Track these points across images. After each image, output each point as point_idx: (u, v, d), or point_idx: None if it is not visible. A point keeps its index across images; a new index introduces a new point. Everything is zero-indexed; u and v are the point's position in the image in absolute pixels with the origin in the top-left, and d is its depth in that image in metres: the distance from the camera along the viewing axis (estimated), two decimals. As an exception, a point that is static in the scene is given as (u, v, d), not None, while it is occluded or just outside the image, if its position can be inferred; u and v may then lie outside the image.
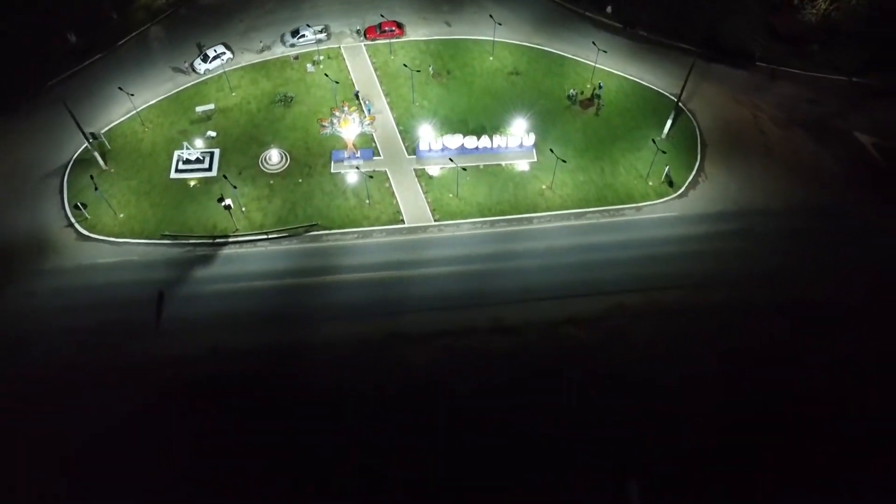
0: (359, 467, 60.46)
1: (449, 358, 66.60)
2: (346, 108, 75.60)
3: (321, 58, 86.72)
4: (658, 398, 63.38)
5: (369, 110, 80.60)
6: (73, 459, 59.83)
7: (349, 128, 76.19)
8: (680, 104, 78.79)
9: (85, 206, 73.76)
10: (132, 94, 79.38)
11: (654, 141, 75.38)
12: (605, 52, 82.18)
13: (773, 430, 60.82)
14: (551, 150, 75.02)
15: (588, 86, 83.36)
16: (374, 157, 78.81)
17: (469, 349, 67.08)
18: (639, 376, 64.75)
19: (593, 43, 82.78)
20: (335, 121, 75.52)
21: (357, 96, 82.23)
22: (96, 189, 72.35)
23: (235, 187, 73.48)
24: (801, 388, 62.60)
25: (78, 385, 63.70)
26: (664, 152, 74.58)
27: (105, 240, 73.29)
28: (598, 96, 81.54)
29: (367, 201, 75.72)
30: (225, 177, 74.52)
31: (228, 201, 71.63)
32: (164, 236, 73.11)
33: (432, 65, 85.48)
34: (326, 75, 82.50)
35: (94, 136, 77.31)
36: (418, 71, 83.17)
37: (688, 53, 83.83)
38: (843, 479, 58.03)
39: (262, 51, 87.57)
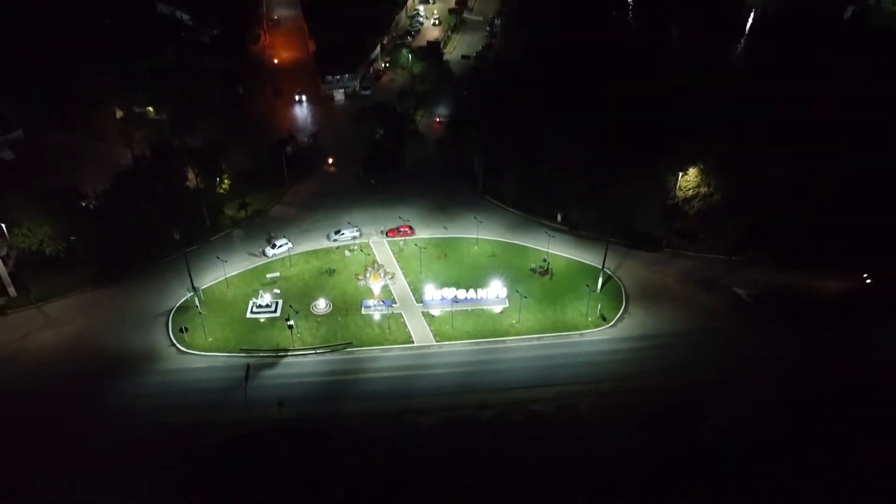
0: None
1: (447, 422, 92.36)
2: (375, 266, 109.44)
3: (356, 247, 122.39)
4: (597, 443, 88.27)
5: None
6: (173, 474, 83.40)
7: (377, 281, 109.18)
8: (605, 269, 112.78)
9: (187, 329, 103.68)
10: (225, 261, 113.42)
11: (587, 285, 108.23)
12: (554, 236, 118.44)
13: (686, 458, 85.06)
14: (517, 291, 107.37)
15: (543, 262, 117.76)
16: (392, 305, 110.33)
17: (461, 417, 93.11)
18: (580, 433, 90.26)
19: (546, 232, 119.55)
20: (367, 275, 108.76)
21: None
22: (201, 313, 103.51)
23: (298, 312, 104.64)
24: (702, 428, 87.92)
25: (175, 436, 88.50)
26: (594, 291, 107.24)
27: (198, 354, 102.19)
28: (545, 261, 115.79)
29: (388, 330, 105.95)
30: (290, 306, 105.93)
31: (291, 322, 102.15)
32: (241, 350, 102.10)
33: (405, 242, 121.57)
34: (360, 250, 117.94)
35: (195, 288, 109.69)
36: (425, 248, 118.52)
37: (612, 243, 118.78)
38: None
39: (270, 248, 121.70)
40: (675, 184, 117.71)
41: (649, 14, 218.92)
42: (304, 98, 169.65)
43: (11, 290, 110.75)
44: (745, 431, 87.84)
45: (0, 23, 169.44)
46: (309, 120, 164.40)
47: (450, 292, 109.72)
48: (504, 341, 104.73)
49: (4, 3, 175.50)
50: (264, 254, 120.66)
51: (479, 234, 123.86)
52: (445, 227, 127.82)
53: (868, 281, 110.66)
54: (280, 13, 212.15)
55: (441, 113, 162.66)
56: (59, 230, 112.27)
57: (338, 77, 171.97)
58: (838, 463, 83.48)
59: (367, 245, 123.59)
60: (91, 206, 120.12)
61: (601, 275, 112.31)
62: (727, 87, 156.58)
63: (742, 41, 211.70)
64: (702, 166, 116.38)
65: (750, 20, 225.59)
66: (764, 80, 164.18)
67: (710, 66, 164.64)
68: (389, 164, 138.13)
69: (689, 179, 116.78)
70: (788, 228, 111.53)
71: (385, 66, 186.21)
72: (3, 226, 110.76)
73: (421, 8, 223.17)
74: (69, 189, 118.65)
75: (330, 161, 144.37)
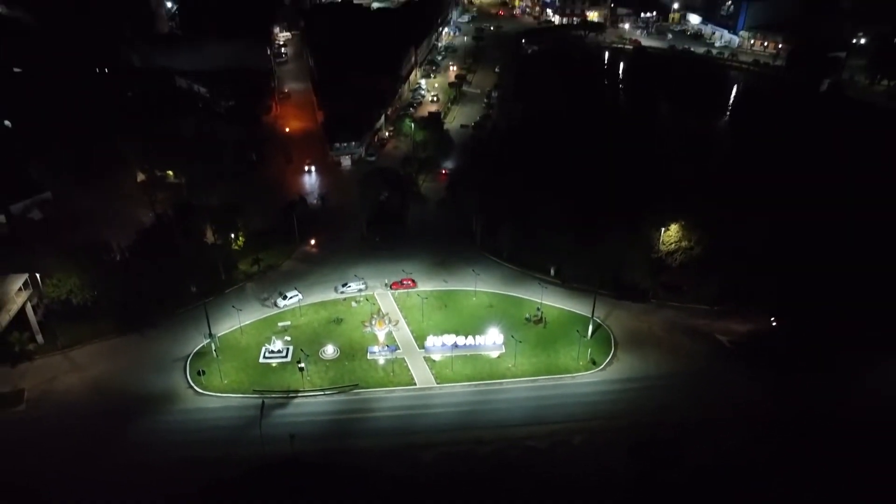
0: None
1: (447, 456, 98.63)
2: (380, 314, 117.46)
3: (362, 299, 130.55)
4: (590, 474, 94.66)
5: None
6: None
7: (382, 328, 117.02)
8: (595, 318, 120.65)
9: (204, 372, 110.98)
10: (240, 310, 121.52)
11: (578, 331, 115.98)
12: (547, 288, 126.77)
13: (675, 485, 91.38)
14: (512, 336, 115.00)
15: (537, 312, 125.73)
16: (396, 350, 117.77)
17: (460, 452, 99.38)
18: (574, 465, 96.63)
19: (539, 284, 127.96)
20: (373, 322, 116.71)
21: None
22: (217, 357, 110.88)
23: (308, 356, 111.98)
24: (688, 459, 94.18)
25: (195, 467, 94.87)
26: (584, 337, 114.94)
27: (214, 395, 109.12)
28: (539, 311, 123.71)
29: (392, 373, 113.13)
30: (301, 349, 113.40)
31: (302, 364, 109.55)
32: (255, 391, 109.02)
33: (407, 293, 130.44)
34: (366, 300, 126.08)
35: (211, 335, 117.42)
36: (426, 299, 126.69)
37: (602, 294, 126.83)
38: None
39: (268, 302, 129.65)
40: (659, 239, 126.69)
41: (638, 88, 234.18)
42: (313, 167, 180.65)
43: (39, 338, 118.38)
44: (729, 462, 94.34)
45: (32, 94, 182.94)
46: (317, 184, 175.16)
47: (450, 339, 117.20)
48: (501, 383, 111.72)
49: (38, 76, 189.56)
50: (276, 304, 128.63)
51: (477, 286, 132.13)
52: (445, 281, 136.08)
53: (774, 324, 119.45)
54: (291, 86, 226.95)
55: (446, 165, 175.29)
56: (87, 281, 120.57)
57: (345, 144, 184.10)
58: (821, 490, 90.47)
59: (373, 296, 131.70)
60: (116, 260, 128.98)
61: (591, 323, 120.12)
62: (709, 154, 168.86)
63: (727, 112, 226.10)
64: (682, 222, 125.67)
65: (733, 92, 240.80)
66: (742, 146, 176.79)
67: (694, 136, 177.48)
68: (394, 224, 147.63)
69: (670, 234, 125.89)
70: (763, 281, 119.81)
71: (389, 134, 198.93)
72: (38, 276, 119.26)
73: (423, 82, 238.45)
74: (96, 244, 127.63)
75: (312, 242, 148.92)
